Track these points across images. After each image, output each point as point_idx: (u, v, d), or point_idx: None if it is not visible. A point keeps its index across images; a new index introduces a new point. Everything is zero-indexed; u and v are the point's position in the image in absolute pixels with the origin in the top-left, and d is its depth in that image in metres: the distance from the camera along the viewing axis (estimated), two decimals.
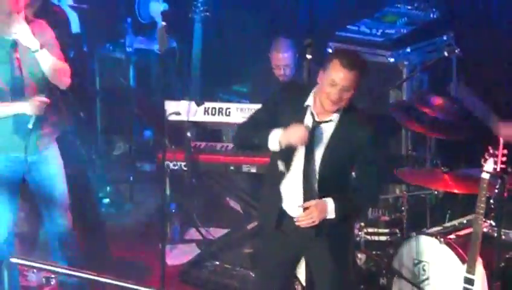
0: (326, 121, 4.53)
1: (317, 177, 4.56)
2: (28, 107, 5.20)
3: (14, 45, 5.19)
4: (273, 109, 4.61)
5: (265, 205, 4.78)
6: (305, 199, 4.57)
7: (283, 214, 4.66)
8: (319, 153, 4.54)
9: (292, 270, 4.96)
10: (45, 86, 5.27)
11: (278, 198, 4.64)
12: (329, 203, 4.54)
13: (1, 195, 5.33)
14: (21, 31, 5.14)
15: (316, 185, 4.56)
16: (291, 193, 4.62)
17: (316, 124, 4.53)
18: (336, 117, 4.52)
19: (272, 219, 4.66)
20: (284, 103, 4.59)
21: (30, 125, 5.22)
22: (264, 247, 4.89)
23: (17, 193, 5.41)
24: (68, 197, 5.43)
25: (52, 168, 5.39)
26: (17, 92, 5.20)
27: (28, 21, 5.23)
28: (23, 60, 5.20)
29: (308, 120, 4.54)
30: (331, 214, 4.55)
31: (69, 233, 5.45)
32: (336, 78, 4.42)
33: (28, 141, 5.24)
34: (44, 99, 5.22)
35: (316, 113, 4.53)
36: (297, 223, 4.55)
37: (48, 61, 5.22)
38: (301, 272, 5.15)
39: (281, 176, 4.62)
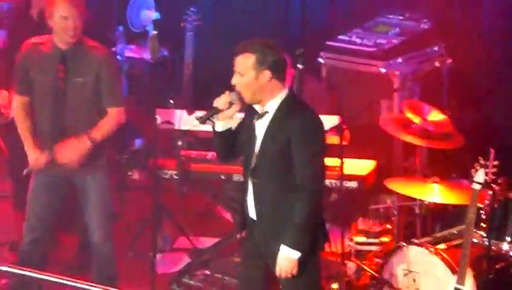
0: (265, 113, 4.53)
1: (252, 166, 4.54)
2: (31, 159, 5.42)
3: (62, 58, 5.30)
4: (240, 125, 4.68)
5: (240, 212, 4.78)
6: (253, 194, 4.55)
7: (247, 217, 4.64)
8: (258, 145, 4.56)
9: (267, 281, 4.73)
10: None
11: (244, 201, 4.64)
12: (283, 249, 4.47)
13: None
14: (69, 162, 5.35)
15: (254, 178, 4.53)
16: (248, 192, 4.61)
17: (258, 117, 4.56)
18: (271, 108, 4.52)
19: (238, 223, 4.66)
20: (246, 110, 4.65)
21: None
22: (240, 257, 4.88)
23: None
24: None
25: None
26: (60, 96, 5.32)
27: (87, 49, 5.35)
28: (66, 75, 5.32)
29: (255, 117, 4.59)
30: (293, 253, 4.46)
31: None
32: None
33: None
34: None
35: (259, 108, 4.57)
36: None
37: (107, 133, 5.42)
38: None
39: (245, 177, 4.63)
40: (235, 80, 4.53)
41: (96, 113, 5.45)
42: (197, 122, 4.64)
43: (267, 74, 4.48)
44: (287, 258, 4.49)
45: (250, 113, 4.62)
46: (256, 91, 4.50)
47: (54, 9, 5.29)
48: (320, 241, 4.61)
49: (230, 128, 4.61)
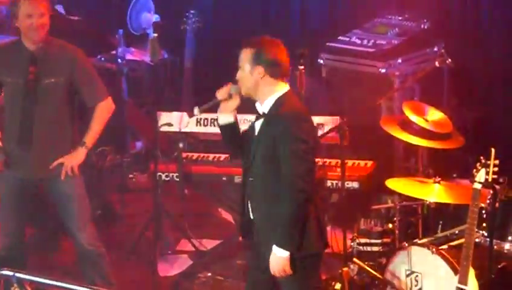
0: (263, 114, 4.59)
1: (247, 166, 4.61)
2: None
3: (32, 59, 5.24)
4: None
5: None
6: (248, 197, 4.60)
7: (249, 219, 4.67)
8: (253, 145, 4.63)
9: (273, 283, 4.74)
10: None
11: (243, 201, 4.68)
12: (274, 249, 4.50)
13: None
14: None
15: (250, 177, 4.60)
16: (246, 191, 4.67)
17: (257, 118, 4.62)
18: (267, 107, 4.57)
19: (239, 224, 4.71)
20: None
21: None
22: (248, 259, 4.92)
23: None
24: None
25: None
26: (30, 98, 5.27)
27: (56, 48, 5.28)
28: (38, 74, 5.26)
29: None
30: (282, 252, 4.48)
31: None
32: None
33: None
34: None
35: (259, 108, 4.62)
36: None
37: (99, 132, 5.41)
38: None
39: (243, 177, 4.68)
40: (237, 74, 4.60)
41: (69, 113, 5.38)
42: (197, 117, 4.67)
43: (260, 70, 4.53)
44: (277, 258, 4.52)
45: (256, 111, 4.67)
46: (251, 86, 4.56)
47: (17, 8, 5.21)
48: (314, 242, 4.59)
49: (232, 124, 4.65)
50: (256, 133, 4.60)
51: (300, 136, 4.49)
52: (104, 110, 5.42)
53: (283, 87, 4.58)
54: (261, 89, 4.55)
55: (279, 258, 4.51)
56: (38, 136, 5.30)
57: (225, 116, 4.65)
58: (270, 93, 4.56)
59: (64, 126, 5.37)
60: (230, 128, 4.67)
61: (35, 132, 5.29)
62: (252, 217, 4.65)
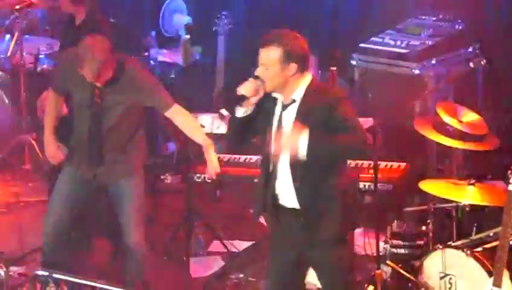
0: (292, 103, 4.56)
1: (288, 158, 4.53)
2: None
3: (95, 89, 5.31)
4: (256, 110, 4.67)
5: (257, 196, 4.76)
6: (294, 182, 4.55)
7: (276, 205, 4.65)
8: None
9: (297, 273, 4.80)
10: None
11: (267, 189, 4.63)
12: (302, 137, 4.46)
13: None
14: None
15: (296, 167, 4.53)
16: (281, 180, 4.60)
17: (284, 107, 4.57)
18: (298, 96, 4.55)
19: (259, 204, 4.67)
20: (262, 102, 4.64)
21: None
22: (269, 251, 4.88)
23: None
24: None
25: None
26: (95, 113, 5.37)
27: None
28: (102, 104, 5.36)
29: (278, 107, 4.61)
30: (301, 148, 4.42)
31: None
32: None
33: None
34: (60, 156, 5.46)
35: (283, 99, 4.58)
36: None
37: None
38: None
39: (267, 165, 4.62)
40: (259, 72, 4.54)
41: (135, 123, 5.48)
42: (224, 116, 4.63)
43: (293, 67, 4.50)
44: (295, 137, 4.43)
45: (269, 102, 4.61)
46: (280, 83, 4.53)
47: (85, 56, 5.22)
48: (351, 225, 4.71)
49: (249, 115, 4.61)
50: (288, 123, 4.53)
51: (350, 108, 4.51)
52: (182, 110, 5.49)
53: (309, 76, 4.59)
54: (290, 83, 4.54)
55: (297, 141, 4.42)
56: (104, 149, 5.41)
57: (245, 109, 4.59)
58: (299, 84, 4.55)
59: (130, 137, 5.47)
60: (247, 120, 4.61)
61: (101, 147, 5.41)
62: (288, 207, 4.60)
